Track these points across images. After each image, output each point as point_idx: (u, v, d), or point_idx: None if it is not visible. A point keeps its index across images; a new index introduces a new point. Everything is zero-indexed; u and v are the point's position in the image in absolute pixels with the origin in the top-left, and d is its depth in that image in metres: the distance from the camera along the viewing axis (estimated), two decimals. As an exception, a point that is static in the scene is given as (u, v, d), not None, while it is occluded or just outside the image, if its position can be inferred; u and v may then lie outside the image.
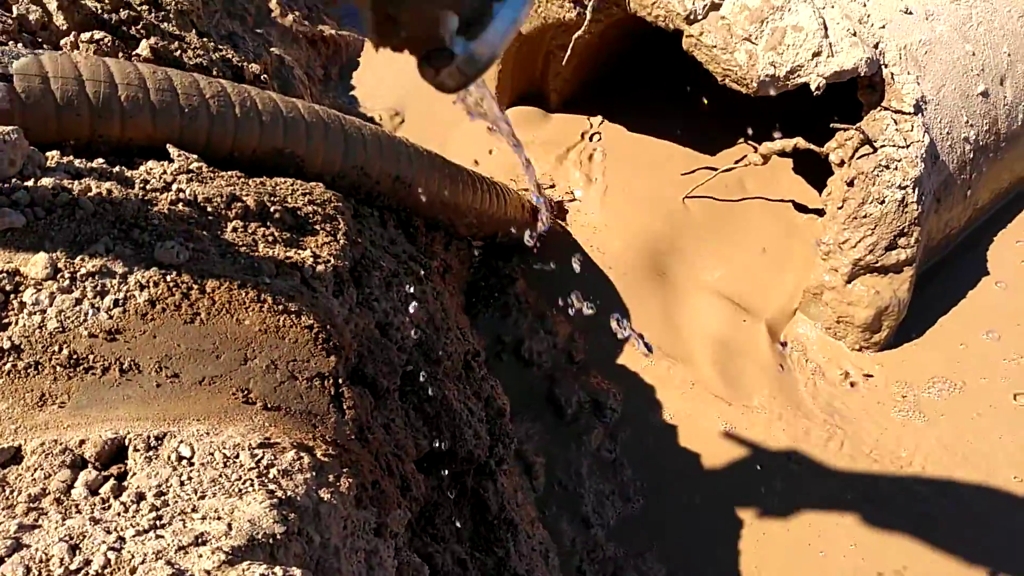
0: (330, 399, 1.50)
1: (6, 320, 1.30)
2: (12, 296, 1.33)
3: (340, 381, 1.54)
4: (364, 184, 2.30)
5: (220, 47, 2.90)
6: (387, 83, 4.14)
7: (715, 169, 3.47)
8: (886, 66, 2.87)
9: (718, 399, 2.86)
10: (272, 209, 1.82)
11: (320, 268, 1.75)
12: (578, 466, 2.58)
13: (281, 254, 1.72)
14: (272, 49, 3.56)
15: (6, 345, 1.27)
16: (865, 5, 2.95)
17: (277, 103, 2.04)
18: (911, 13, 3.00)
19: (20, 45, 2.07)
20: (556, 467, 2.56)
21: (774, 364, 2.91)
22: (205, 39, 2.85)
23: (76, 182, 1.57)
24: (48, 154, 1.69)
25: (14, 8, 2.16)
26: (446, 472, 2.00)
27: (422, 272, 2.30)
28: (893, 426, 2.77)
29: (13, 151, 1.52)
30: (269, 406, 1.40)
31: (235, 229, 1.72)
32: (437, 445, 1.90)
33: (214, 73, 2.56)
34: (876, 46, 2.87)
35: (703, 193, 3.40)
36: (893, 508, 2.53)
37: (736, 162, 3.52)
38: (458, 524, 2.03)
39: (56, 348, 1.29)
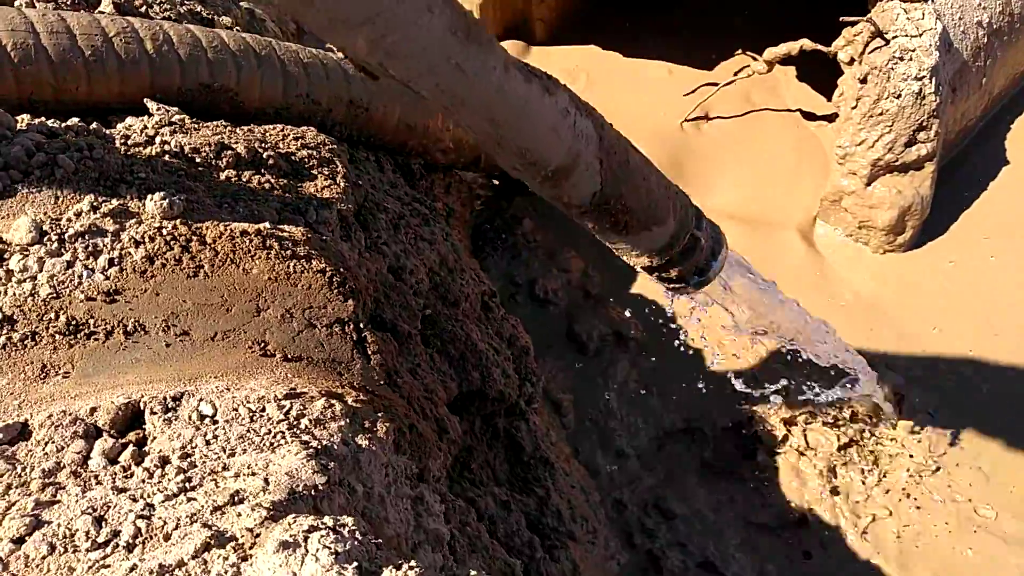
0: (353, 345, 1.40)
1: (-6, 291, 1.20)
2: (-5, 265, 1.22)
3: (361, 326, 1.44)
4: (315, 113, 2.07)
5: (186, 1, 2.73)
6: (364, 30, 3.95)
7: (716, 85, 3.33)
8: (890, -48, 2.71)
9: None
10: (265, 156, 1.70)
11: (324, 212, 1.64)
12: (606, 400, 2.51)
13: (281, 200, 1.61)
14: (241, 3, 3.38)
15: (-3, 317, 1.16)
16: None
17: (196, 34, 1.86)
18: None
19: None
20: (584, 403, 2.49)
21: (800, 276, 2.82)
22: (170, -6, 2.68)
23: (52, 141, 1.45)
24: (19, 118, 1.56)
25: (-38, -31, 2.01)
26: (477, 415, 1.92)
27: (428, 213, 2.18)
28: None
29: (-25, 113, 1.39)
30: (290, 357, 1.30)
31: (228, 178, 1.60)
32: (466, 387, 1.81)
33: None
34: (878, -69, 2.71)
35: (706, 111, 3.27)
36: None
37: (736, 73, 3.38)
38: (494, 467, 1.95)
39: (52, 315, 1.19)
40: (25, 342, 1.16)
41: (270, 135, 1.83)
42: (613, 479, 2.28)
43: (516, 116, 1.16)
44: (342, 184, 1.78)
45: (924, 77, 2.59)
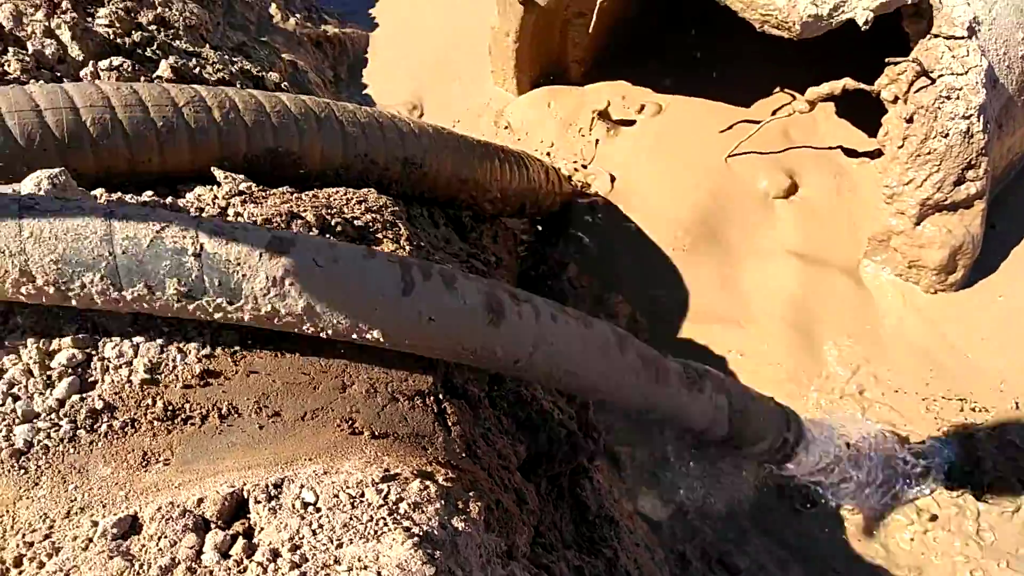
0: (434, 416, 1.40)
1: (91, 378, 1.21)
2: (92, 351, 1.24)
3: (441, 396, 1.44)
4: (372, 172, 2.11)
5: (234, 59, 2.78)
6: (400, 76, 4.01)
7: (757, 122, 3.34)
8: (931, -9, 2.71)
9: (792, 360, 2.76)
10: (333, 223, 1.72)
11: (394, 278, 1.65)
12: (662, 451, 2.49)
13: (352, 269, 1.62)
14: (284, 55, 3.44)
15: (98, 405, 1.18)
16: (901, -70, 2.80)
17: (260, 100, 1.88)
18: (950, -68, 2.84)
19: (41, 83, 1.97)
20: (641, 454, 2.47)
21: (853, 316, 2.80)
22: (219, 51, 2.74)
23: (134, 220, 1.47)
24: (95, 192, 1.59)
25: (29, 44, 2.06)
26: (544, 476, 1.91)
27: (484, 268, 2.20)
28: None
29: (63, 194, 1.42)
30: (377, 433, 1.30)
31: (302, 248, 1.61)
32: (534, 449, 1.80)
33: (237, 86, 2.45)
34: (918, -28, 2.72)
35: (747, 148, 3.28)
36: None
37: (774, 112, 3.39)
38: (561, 528, 1.94)
39: (149, 402, 1.20)
40: (125, 429, 1.17)
41: (335, 200, 1.86)
42: (675, 533, 2.25)
43: (685, 412, 1.81)
44: (407, 247, 1.80)
45: (972, 115, 2.58)
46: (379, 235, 1.82)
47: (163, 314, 1.15)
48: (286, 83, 2.86)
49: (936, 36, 2.70)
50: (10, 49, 2.01)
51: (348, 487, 1.13)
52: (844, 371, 2.72)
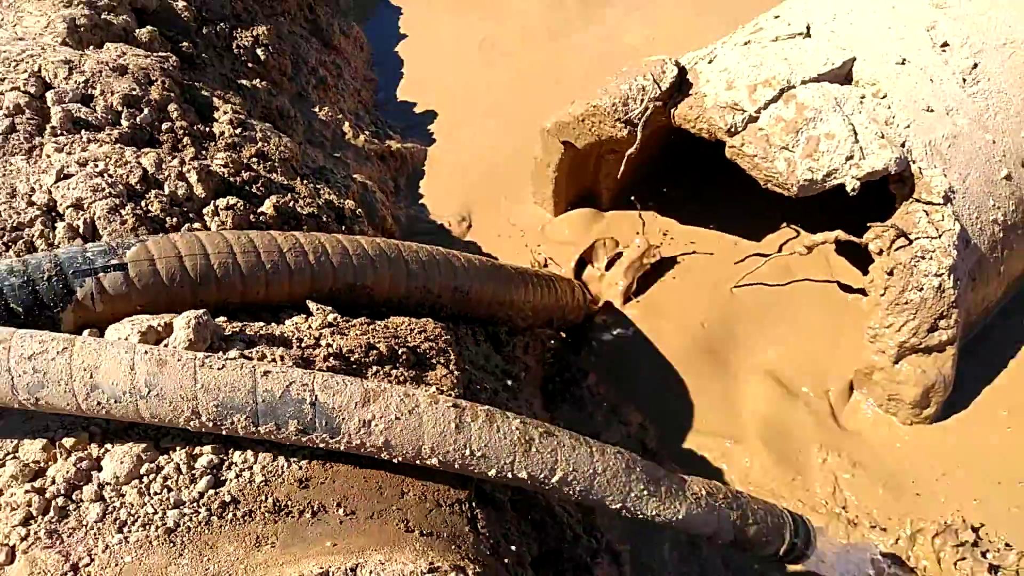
0: (467, 521, 1.82)
1: (223, 477, 1.66)
2: (224, 457, 1.69)
3: (473, 505, 1.86)
4: (428, 299, 2.59)
5: (318, 186, 3.33)
6: (453, 190, 4.55)
7: (764, 255, 3.77)
8: (914, 162, 3.16)
9: (776, 478, 3.12)
10: (399, 352, 2.18)
11: (442, 401, 2.08)
12: (660, 550, 2.84)
13: (411, 392, 2.06)
14: (355, 176, 4.00)
15: (227, 499, 1.62)
16: (890, 107, 3.27)
17: (344, 244, 2.36)
18: (933, 111, 3.30)
19: (172, 221, 2.49)
20: (640, 553, 2.83)
21: (829, 438, 3.16)
22: (306, 182, 3.28)
23: (253, 350, 1.94)
24: (219, 320, 2.08)
25: (166, 186, 2.60)
26: (551, 570, 2.30)
27: (516, 386, 2.63)
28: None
29: (206, 330, 1.90)
30: (424, 532, 1.72)
31: (375, 374, 2.07)
32: (545, 548, 2.20)
33: (323, 219, 2.98)
34: (903, 145, 3.17)
35: (753, 279, 3.70)
36: None
37: (780, 248, 3.83)
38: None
39: (263, 498, 1.64)
40: (245, 518, 1.61)
41: (400, 330, 2.32)
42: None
43: (689, 522, 2.03)
44: (456, 373, 2.24)
45: (943, 274, 2.98)
46: (434, 360, 2.27)
47: (284, 442, 1.61)
48: (360, 209, 3.39)
49: (917, 201, 3.13)
50: (152, 191, 2.55)
51: (404, 575, 1.55)
52: (825, 492, 3.07)
